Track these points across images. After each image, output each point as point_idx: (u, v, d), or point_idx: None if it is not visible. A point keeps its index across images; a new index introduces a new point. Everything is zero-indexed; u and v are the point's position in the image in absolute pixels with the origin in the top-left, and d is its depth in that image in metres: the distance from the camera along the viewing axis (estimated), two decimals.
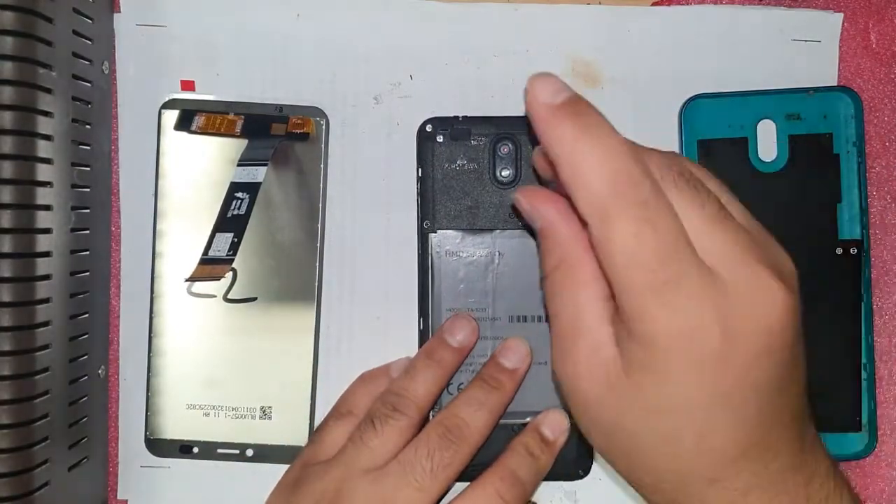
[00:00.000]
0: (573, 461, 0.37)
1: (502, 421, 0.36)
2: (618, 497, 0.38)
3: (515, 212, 0.31)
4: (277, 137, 0.38)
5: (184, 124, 0.38)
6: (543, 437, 0.35)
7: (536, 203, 0.28)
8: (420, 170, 0.38)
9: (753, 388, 0.25)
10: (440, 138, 0.38)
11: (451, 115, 0.38)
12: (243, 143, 0.38)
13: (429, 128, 0.38)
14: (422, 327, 0.37)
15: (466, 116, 0.38)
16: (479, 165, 0.37)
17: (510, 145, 0.37)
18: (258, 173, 0.38)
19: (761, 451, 0.26)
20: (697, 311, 0.24)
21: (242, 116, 0.38)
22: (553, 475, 0.37)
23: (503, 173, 0.37)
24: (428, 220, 0.37)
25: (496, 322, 0.37)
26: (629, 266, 0.24)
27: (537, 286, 0.37)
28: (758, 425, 0.25)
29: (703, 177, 0.27)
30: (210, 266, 0.37)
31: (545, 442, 0.35)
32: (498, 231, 0.37)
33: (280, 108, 0.38)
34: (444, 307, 0.37)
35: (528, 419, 0.37)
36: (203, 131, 0.38)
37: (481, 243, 0.37)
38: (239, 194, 0.38)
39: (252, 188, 0.38)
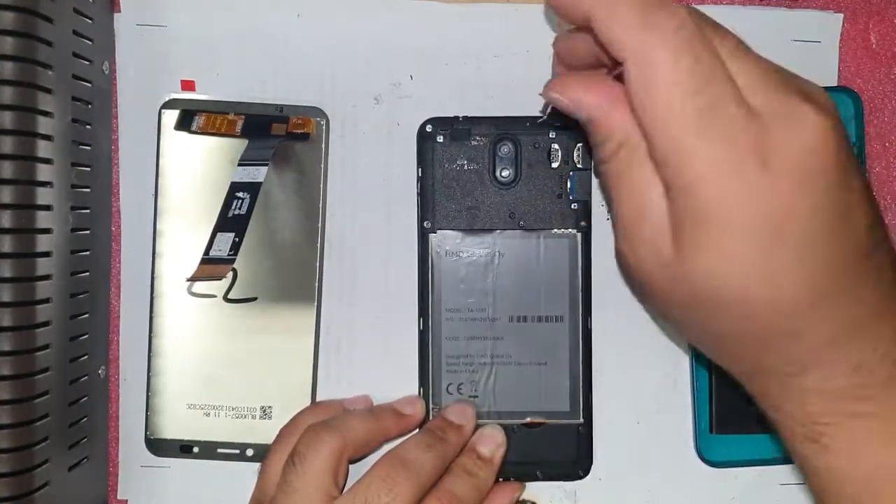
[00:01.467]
0: (573, 461, 0.37)
1: (502, 422, 0.37)
2: (618, 497, 0.38)
3: (555, 113, 0.30)
4: (278, 137, 0.38)
5: (184, 124, 0.38)
6: (480, 454, 0.35)
7: (577, 94, 0.27)
8: (420, 170, 0.38)
9: (807, 216, 0.24)
10: (440, 138, 0.38)
11: (452, 115, 0.38)
12: (243, 143, 0.38)
13: (429, 128, 0.38)
14: (422, 327, 0.37)
15: (466, 116, 0.38)
16: (480, 165, 0.37)
17: (510, 145, 0.37)
18: (259, 173, 0.38)
19: (837, 295, 0.25)
20: (734, 141, 0.24)
21: (243, 116, 0.38)
22: (553, 475, 0.37)
23: (503, 173, 0.37)
24: (428, 220, 0.37)
25: (496, 322, 0.37)
26: (667, 93, 0.24)
27: (537, 286, 0.37)
28: (824, 261, 0.24)
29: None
30: (211, 266, 0.37)
31: (482, 459, 0.35)
32: (498, 231, 0.37)
33: (280, 108, 0.38)
34: (445, 307, 0.37)
35: (527, 419, 0.37)
36: (203, 131, 0.38)
37: (481, 243, 0.37)
38: (240, 194, 0.38)
39: (253, 188, 0.38)
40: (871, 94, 0.39)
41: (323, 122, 0.38)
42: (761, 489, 0.39)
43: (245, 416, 0.38)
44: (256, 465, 0.37)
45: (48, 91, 0.32)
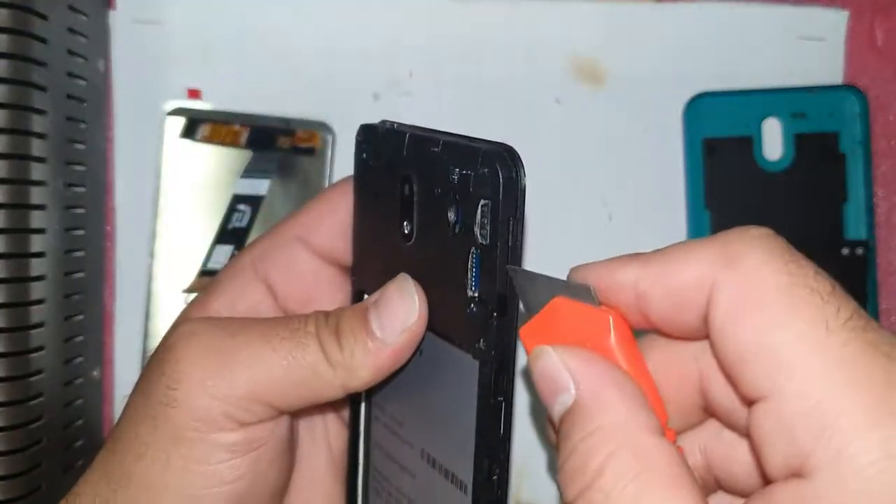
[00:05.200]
0: None
1: None
2: None
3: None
4: (282, 150, 0.37)
5: (188, 132, 0.38)
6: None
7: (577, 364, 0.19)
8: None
9: None
10: (364, 154, 0.26)
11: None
12: (248, 154, 0.37)
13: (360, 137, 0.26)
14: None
15: (392, 127, 0.25)
16: (390, 209, 0.24)
17: (410, 184, 0.24)
18: (261, 186, 0.37)
19: None
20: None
21: (248, 128, 0.38)
22: None
23: (405, 227, 0.24)
24: (356, 275, 0.27)
25: (411, 450, 0.25)
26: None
27: (443, 422, 0.23)
28: None
29: None
30: (209, 279, 0.37)
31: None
32: None
33: (287, 121, 0.38)
34: (375, 402, 0.27)
35: None
36: (208, 141, 0.38)
37: None
38: (241, 207, 0.37)
39: (254, 201, 0.37)
40: (877, 92, 0.39)
41: (329, 137, 0.38)
42: None
43: None
44: None
45: (42, 89, 0.31)
